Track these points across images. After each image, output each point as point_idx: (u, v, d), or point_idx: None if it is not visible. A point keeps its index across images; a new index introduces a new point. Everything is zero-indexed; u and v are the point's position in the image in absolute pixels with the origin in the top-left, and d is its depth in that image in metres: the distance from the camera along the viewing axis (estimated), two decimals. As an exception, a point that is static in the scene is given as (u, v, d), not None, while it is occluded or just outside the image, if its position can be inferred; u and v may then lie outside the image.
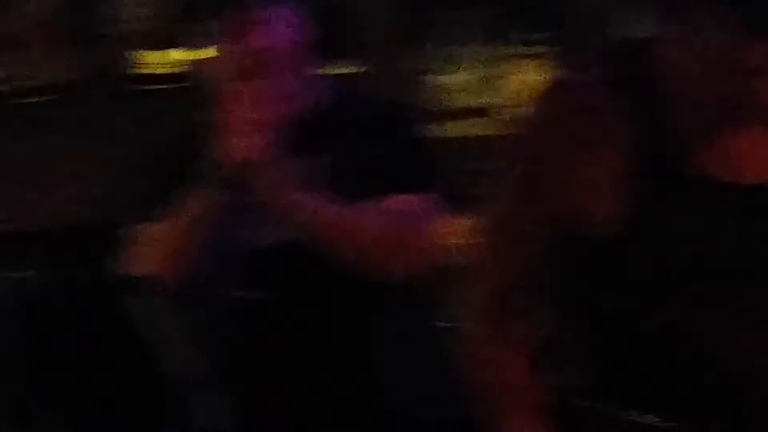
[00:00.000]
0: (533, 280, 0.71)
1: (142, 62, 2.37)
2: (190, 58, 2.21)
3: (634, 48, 0.67)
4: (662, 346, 0.65)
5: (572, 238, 0.66)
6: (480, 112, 2.25)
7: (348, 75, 2.09)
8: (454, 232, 1.04)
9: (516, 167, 0.73)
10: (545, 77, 0.80)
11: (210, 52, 1.08)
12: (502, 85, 2.28)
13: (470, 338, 0.75)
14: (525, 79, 2.18)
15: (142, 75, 2.37)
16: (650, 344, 0.66)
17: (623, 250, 0.64)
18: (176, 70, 2.31)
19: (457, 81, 2.31)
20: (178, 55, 2.32)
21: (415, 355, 1.08)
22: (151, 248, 1.04)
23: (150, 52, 2.36)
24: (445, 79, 2.33)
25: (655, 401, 0.66)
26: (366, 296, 1.02)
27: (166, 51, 2.35)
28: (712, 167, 0.65)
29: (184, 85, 2.18)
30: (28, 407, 2.15)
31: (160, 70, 2.36)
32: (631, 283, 0.65)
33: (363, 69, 2.18)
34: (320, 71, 1.12)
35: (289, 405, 1.05)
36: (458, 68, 2.30)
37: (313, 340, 1.04)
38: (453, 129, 2.22)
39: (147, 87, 2.36)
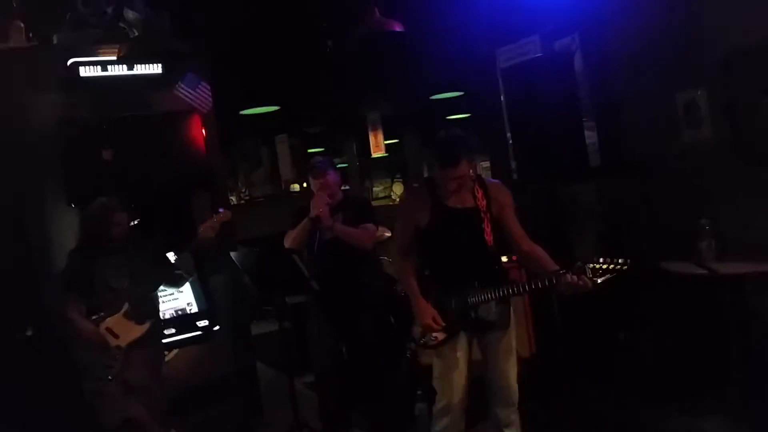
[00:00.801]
0: (411, 245, 3.26)
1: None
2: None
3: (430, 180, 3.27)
4: (443, 257, 3.16)
5: (418, 232, 3.20)
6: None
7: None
8: (381, 233, 3.76)
9: (401, 213, 3.32)
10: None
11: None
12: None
13: (397, 263, 3.27)
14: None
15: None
16: (440, 257, 3.16)
17: (431, 234, 3.13)
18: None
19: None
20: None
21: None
22: (289, 236, 3.73)
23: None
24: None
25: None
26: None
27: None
28: (452, 203, 3.08)
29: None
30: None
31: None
32: (431, 243, 3.17)
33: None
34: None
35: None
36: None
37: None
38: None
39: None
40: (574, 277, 2.72)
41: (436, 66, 6.53)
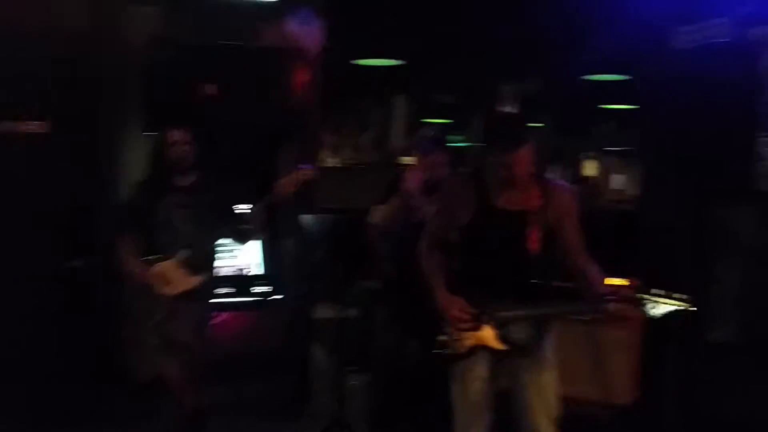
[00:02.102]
0: (444, 242, 3.17)
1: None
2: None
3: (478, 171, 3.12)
4: (477, 263, 3.05)
5: (450, 228, 3.11)
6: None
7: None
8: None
9: (440, 205, 3.25)
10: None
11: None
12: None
13: (423, 255, 3.18)
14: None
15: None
16: (473, 262, 3.06)
17: (469, 236, 3.03)
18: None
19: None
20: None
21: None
22: (376, 211, 3.79)
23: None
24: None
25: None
26: None
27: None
28: (500, 203, 2.97)
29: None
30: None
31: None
32: (468, 246, 3.08)
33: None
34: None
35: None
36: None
37: None
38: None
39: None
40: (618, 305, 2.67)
41: (597, 39, 6.33)
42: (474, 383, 2.99)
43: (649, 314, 2.63)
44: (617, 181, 11.56)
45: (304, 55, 4.84)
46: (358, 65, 7.85)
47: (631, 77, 8.37)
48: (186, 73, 4.57)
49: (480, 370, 3.00)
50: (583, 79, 8.65)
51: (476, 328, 2.96)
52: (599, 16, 5.73)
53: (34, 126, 4.44)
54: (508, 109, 3.05)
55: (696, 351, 3.66)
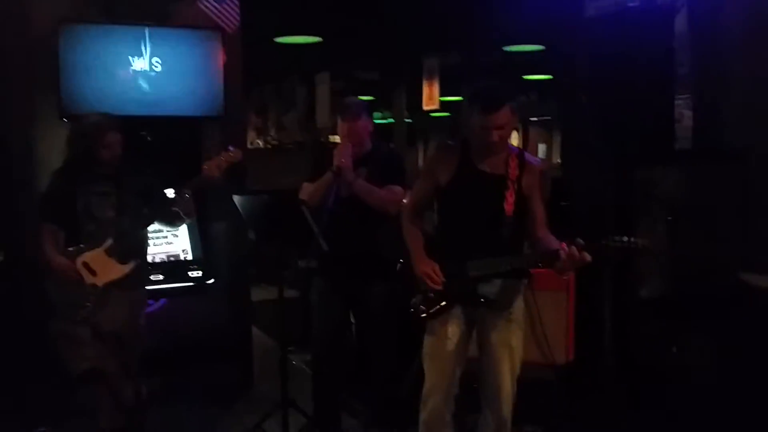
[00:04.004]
0: (425, 206, 3.32)
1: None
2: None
3: (465, 140, 3.30)
4: (456, 219, 3.19)
5: (434, 192, 3.23)
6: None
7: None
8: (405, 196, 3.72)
9: (424, 170, 3.37)
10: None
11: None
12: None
13: (405, 221, 3.31)
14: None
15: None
16: (452, 219, 3.22)
17: (448, 194, 3.18)
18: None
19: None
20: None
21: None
22: (305, 189, 3.72)
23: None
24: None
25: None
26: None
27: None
28: (482, 166, 3.13)
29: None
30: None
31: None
32: (446, 205, 3.24)
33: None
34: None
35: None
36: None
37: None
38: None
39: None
40: (573, 248, 2.87)
41: (514, 10, 6.38)
42: (447, 340, 3.17)
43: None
44: (541, 150, 11.84)
45: (220, 32, 4.70)
46: (278, 43, 7.72)
47: (547, 47, 8.51)
48: (97, 54, 4.36)
49: (453, 327, 3.18)
50: (503, 51, 8.74)
51: (448, 289, 3.12)
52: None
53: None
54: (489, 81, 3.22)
55: (628, 308, 3.76)
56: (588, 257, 2.90)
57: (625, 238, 2.92)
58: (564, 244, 2.92)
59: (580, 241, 2.91)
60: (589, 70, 5.18)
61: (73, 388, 3.76)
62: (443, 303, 3.15)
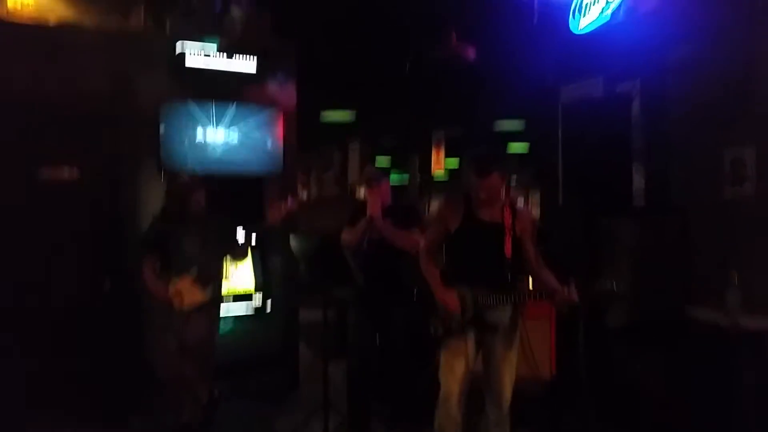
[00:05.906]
0: (439, 246, 3.33)
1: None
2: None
3: (468, 194, 3.28)
4: (464, 262, 3.22)
5: (445, 236, 3.26)
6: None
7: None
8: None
9: (436, 216, 3.44)
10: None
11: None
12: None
13: (422, 258, 3.33)
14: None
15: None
16: (461, 261, 3.24)
17: (457, 239, 3.20)
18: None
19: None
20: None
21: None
22: (346, 234, 3.78)
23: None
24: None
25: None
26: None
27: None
28: (481, 216, 3.16)
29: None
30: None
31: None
32: (456, 247, 3.26)
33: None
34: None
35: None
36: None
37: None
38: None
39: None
40: (566, 290, 2.94)
41: (502, 94, 6.52)
42: (460, 356, 3.13)
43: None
44: (520, 203, 11.92)
45: (281, 109, 4.84)
46: (324, 122, 7.92)
47: (528, 124, 8.59)
48: (191, 128, 4.48)
49: (465, 345, 3.14)
50: (493, 126, 8.86)
51: (464, 313, 3.12)
52: (503, 77, 5.94)
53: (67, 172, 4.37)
54: (484, 148, 3.30)
55: (602, 334, 3.75)
56: (575, 296, 2.97)
57: (608, 283, 3.00)
58: (565, 287, 2.99)
59: (574, 288, 2.98)
60: (562, 142, 5.26)
61: (161, 389, 3.77)
62: (458, 325, 3.14)
